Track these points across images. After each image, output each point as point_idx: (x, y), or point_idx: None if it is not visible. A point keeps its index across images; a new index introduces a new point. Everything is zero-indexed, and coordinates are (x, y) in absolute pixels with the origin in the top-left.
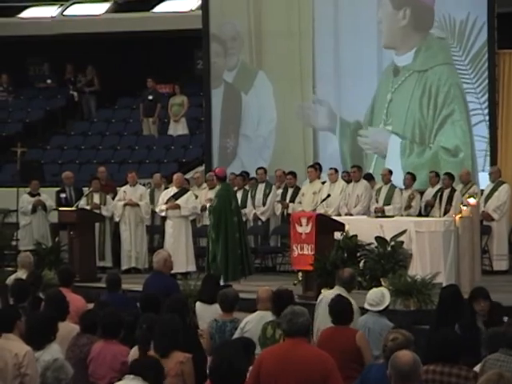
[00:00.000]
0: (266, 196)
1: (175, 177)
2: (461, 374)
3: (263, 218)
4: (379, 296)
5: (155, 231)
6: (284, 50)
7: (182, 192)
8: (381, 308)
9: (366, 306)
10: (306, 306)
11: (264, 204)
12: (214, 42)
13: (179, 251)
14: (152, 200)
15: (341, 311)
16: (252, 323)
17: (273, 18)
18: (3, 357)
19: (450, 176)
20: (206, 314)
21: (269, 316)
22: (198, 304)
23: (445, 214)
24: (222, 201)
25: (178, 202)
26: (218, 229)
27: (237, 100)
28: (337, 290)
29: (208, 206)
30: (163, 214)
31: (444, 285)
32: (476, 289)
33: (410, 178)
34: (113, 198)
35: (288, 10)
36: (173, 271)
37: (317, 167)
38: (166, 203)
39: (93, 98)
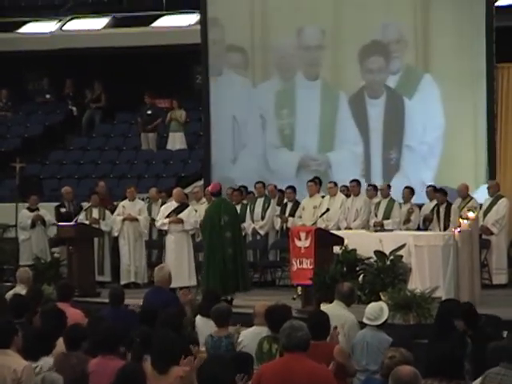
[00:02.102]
0: (264, 210)
1: (175, 191)
2: None
3: (262, 232)
4: (377, 310)
5: (153, 246)
6: (454, 50)
7: (182, 207)
8: (379, 322)
9: (365, 321)
10: (305, 321)
11: (263, 218)
12: (373, 47)
13: (182, 266)
14: (149, 214)
15: (318, 326)
16: (249, 338)
17: (441, 16)
18: (1, 372)
19: (443, 192)
20: (206, 328)
21: (266, 331)
22: (198, 318)
23: (445, 229)
24: (209, 217)
25: (180, 216)
26: (206, 244)
27: (400, 106)
28: (336, 305)
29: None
30: (165, 227)
31: (443, 299)
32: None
33: (409, 192)
34: (111, 212)
35: (458, 7)
36: (175, 285)
37: (317, 181)
38: (168, 217)
39: (98, 113)
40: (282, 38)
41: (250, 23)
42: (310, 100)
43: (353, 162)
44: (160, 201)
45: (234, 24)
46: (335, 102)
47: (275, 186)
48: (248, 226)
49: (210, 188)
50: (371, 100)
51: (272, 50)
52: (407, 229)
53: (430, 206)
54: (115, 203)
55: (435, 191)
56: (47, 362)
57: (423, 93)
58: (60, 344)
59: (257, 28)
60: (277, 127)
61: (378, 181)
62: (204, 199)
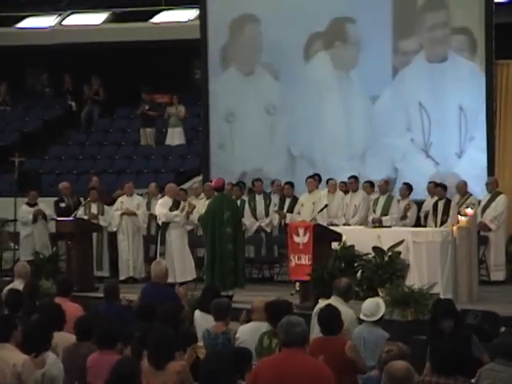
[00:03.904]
0: (267, 207)
1: (168, 187)
2: None
3: (268, 230)
4: (374, 306)
5: (151, 241)
6: None
7: (178, 203)
8: (376, 318)
9: (361, 317)
10: (303, 317)
11: (267, 215)
12: None
13: (185, 260)
14: (149, 209)
15: (329, 321)
16: (247, 334)
17: None
18: (1, 367)
19: (444, 187)
20: (205, 323)
21: (264, 326)
22: (197, 313)
23: (441, 224)
24: (212, 212)
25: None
26: (206, 239)
27: None
28: (334, 300)
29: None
30: (178, 219)
31: (441, 295)
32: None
33: (406, 188)
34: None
35: None
36: (181, 280)
37: (316, 178)
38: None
39: (97, 109)
40: None
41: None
42: None
43: None
44: (159, 196)
45: (460, 5)
46: None
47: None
48: (252, 223)
49: (213, 183)
50: None
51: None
52: (404, 225)
53: (430, 202)
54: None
55: (436, 187)
56: (50, 358)
57: None
58: (59, 338)
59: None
60: None
61: None
62: (203, 194)
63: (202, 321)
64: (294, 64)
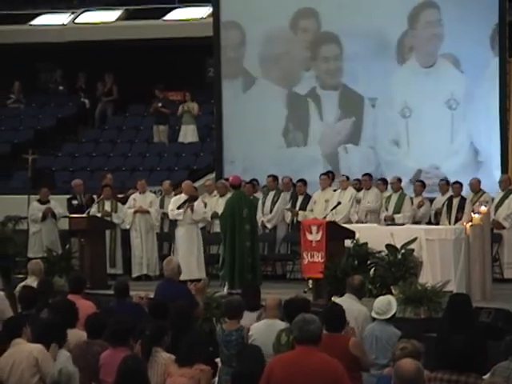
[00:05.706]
0: (274, 203)
1: (184, 184)
2: (468, 382)
3: (269, 226)
4: (386, 304)
5: (165, 238)
6: None
7: (192, 199)
8: (387, 316)
9: (373, 315)
10: (316, 314)
11: (271, 211)
12: None
13: (191, 258)
14: (162, 207)
15: (333, 318)
16: (260, 331)
17: None
18: (18, 359)
19: (459, 184)
20: (245, 320)
21: (276, 324)
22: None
23: (456, 222)
24: (230, 208)
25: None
26: (225, 236)
27: None
28: (347, 298)
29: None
30: (180, 217)
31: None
32: None
33: (420, 185)
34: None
35: None
36: (185, 278)
37: (329, 175)
38: (179, 209)
39: (110, 106)
40: None
41: None
42: None
43: None
44: (173, 194)
45: None
46: None
47: (290, 179)
48: (258, 219)
49: (230, 180)
50: None
51: None
52: (420, 218)
53: (441, 199)
54: (120, 196)
55: (448, 184)
56: (63, 355)
57: None
58: (72, 335)
59: None
60: None
61: None
62: (216, 192)
63: (245, 319)
64: (478, 54)
